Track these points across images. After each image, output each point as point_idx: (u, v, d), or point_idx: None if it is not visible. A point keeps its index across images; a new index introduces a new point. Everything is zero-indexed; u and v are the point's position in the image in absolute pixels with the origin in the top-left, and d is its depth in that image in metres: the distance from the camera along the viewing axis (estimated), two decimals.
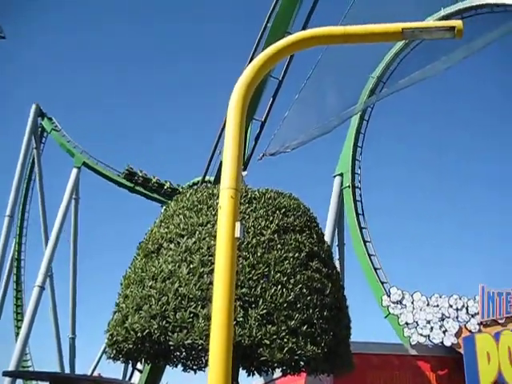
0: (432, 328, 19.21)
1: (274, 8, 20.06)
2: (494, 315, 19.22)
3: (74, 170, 33.55)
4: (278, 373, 12.62)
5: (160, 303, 10.72)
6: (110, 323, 11.78)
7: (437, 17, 24.02)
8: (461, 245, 60.24)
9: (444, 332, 19.14)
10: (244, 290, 10.60)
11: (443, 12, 24.27)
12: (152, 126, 79.13)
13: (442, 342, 19.05)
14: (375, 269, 24.05)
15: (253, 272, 10.88)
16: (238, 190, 6.33)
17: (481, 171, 62.37)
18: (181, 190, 30.50)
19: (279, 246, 11.50)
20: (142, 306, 10.94)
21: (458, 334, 19.09)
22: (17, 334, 35.60)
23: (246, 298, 10.59)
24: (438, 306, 19.49)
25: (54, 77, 75.76)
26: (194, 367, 12.51)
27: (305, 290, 11.21)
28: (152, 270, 11.36)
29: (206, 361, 11.60)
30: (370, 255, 24.58)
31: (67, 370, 36.35)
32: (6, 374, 21.71)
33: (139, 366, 17.04)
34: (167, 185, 35.03)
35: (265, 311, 10.58)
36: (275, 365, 11.07)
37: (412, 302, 19.71)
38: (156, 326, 10.57)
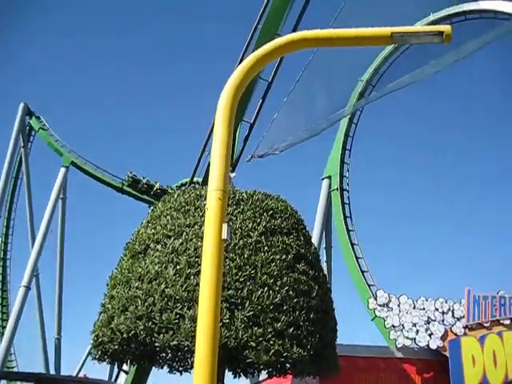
0: (418, 331, 19.27)
1: (265, 10, 20.09)
2: (479, 319, 19.32)
3: (62, 170, 33.40)
4: (263, 375, 12.62)
5: (146, 304, 10.69)
6: (96, 324, 11.73)
7: (426, 21, 24.15)
8: (451, 247, 60.47)
9: (430, 335, 19.21)
10: (230, 291, 10.59)
11: (432, 17, 24.39)
12: (143, 126, 78.88)
13: (427, 345, 19.12)
14: (362, 271, 24.10)
15: (239, 274, 10.88)
16: (225, 192, 6.33)
17: (477, 172, 62.44)
18: (170, 191, 30.42)
19: (266, 248, 11.51)
20: (128, 306, 10.89)
21: (443, 337, 19.16)
22: (1, 334, 35.29)
23: (233, 300, 10.58)
24: (424, 309, 19.56)
25: (54, 77, 75.41)
26: (180, 368, 12.49)
27: (291, 293, 11.22)
28: (138, 271, 11.32)
29: (192, 362, 11.56)
30: (357, 258, 24.63)
31: (52, 371, 36.05)
32: None
33: (125, 367, 17.01)
34: (157, 186, 34.94)
35: (251, 313, 10.57)
36: (261, 367, 11.05)
37: (398, 305, 19.76)
38: (142, 327, 10.53)
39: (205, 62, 78.24)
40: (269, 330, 10.58)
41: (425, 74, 21.16)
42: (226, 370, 11.59)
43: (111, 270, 12.40)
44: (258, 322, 10.62)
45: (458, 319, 19.37)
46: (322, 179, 27.20)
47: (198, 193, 12.56)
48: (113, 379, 27.92)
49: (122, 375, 22.96)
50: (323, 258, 25.81)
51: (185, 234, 11.49)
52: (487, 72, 42.99)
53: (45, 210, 31.92)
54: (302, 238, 12.64)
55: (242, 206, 12.08)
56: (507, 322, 19.29)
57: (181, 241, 11.37)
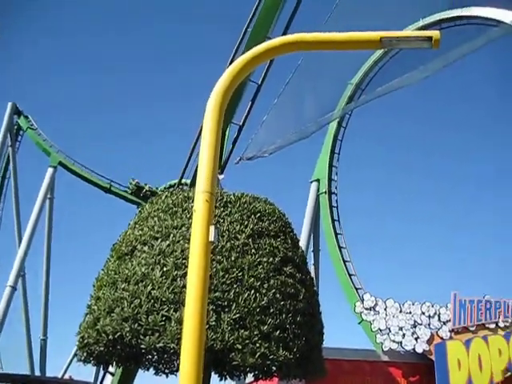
0: (404, 335, 19.37)
1: (255, 13, 20.07)
2: (465, 323, 19.46)
3: (50, 170, 33.29)
4: (250, 377, 12.61)
5: (132, 306, 10.64)
6: (82, 325, 11.66)
7: (415, 26, 24.29)
8: (443, 248, 60.19)
9: (416, 339, 19.31)
10: (217, 293, 10.57)
11: (422, 22, 24.53)
12: (133, 127, 78.51)
13: (413, 349, 19.22)
14: (350, 275, 24.17)
15: (226, 276, 10.86)
16: (213, 194, 6.31)
17: (471, 172, 62.39)
18: (159, 192, 30.26)
19: (253, 250, 11.50)
20: (114, 308, 10.84)
21: (429, 341, 19.27)
22: None
23: (219, 302, 10.56)
24: (410, 312, 19.66)
25: (45, 77, 74.85)
26: (166, 371, 12.45)
27: (278, 295, 11.22)
28: (125, 273, 11.27)
29: (178, 364, 11.48)
30: (344, 261, 24.70)
31: (37, 373, 35.82)
32: None
33: (111, 368, 16.92)
34: (146, 187, 34.82)
35: (238, 316, 10.55)
36: (247, 369, 11.03)
37: (385, 309, 19.85)
38: (128, 329, 10.48)
39: (205, 62, 77.86)
40: (255, 333, 10.57)
41: (414, 78, 21.23)
42: (212, 373, 11.58)
43: (98, 272, 12.35)
44: (245, 324, 10.61)
45: (444, 323, 19.50)
46: (311, 182, 27.26)
47: (185, 194, 12.53)
48: (98, 381, 27.71)
49: (108, 377, 22.81)
50: (311, 261, 25.85)
51: (172, 235, 11.46)
52: (480, 72, 43.17)
53: (32, 209, 31.81)
54: (290, 241, 12.65)
55: (229, 209, 12.07)
56: (492, 325, 19.47)
57: (168, 242, 11.33)
